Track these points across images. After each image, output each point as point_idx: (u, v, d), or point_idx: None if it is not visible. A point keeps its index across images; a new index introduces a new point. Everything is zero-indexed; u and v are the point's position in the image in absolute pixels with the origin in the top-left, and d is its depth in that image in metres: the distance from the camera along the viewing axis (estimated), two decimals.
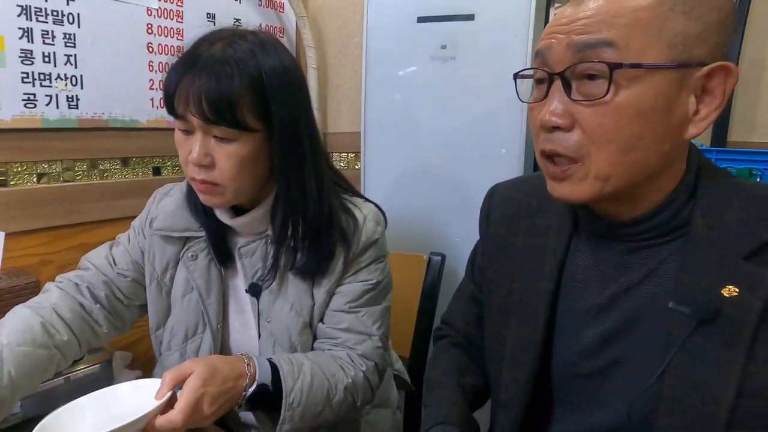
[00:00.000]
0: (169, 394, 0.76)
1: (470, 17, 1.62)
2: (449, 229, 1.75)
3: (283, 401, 0.85)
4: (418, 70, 1.73)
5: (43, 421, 0.72)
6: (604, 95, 0.60)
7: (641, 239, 0.70)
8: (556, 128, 0.65)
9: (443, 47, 1.67)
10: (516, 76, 0.72)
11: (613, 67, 0.59)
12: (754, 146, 1.53)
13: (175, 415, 0.74)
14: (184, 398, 0.75)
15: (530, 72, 0.70)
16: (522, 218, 0.84)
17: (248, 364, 0.85)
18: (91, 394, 0.80)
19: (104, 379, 1.10)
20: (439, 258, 1.50)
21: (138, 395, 0.78)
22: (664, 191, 0.67)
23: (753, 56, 1.56)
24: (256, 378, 0.84)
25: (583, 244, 0.77)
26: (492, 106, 1.63)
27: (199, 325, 1.02)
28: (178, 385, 0.78)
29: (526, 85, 0.72)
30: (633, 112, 0.61)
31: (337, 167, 1.46)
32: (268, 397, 0.86)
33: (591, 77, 0.61)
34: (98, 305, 0.99)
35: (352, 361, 0.97)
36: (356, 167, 1.97)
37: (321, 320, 1.00)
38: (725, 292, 0.61)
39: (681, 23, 0.59)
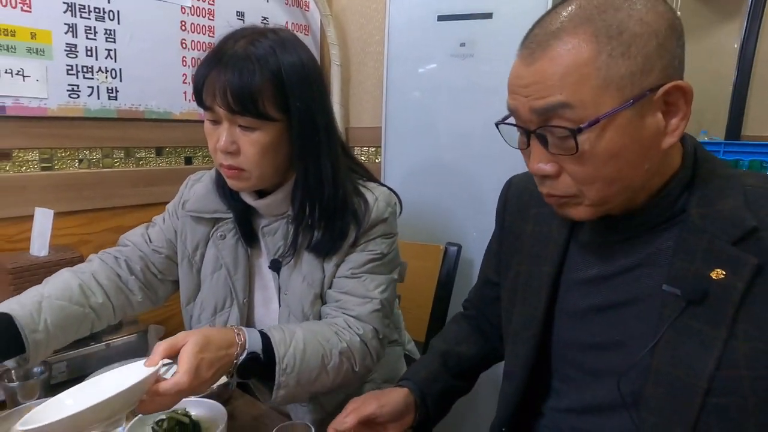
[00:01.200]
0: (161, 362, 0.77)
1: (488, 16, 1.67)
2: (465, 221, 1.80)
3: (277, 367, 0.89)
4: (438, 68, 1.78)
5: (24, 418, 0.70)
6: (575, 152, 0.65)
7: (639, 229, 0.75)
8: (546, 176, 0.70)
9: (462, 45, 1.72)
10: (498, 124, 0.75)
11: (574, 132, 0.64)
12: None
13: (181, 377, 0.76)
14: (185, 363, 0.77)
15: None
16: (532, 207, 0.90)
17: (238, 335, 0.87)
18: (70, 389, 0.78)
19: (140, 347, 1.20)
20: (455, 248, 1.56)
21: (126, 377, 0.77)
22: (656, 188, 0.72)
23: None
24: (246, 347, 0.87)
25: (585, 231, 0.82)
26: None
27: (227, 300, 1.10)
28: (168, 359, 0.80)
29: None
30: (606, 156, 0.65)
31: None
32: (260, 366, 0.89)
33: (562, 137, 0.66)
34: (133, 277, 1.09)
35: (349, 326, 1.01)
36: (377, 161, 2.03)
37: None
38: (713, 275, 0.66)
39: (622, 66, 0.62)
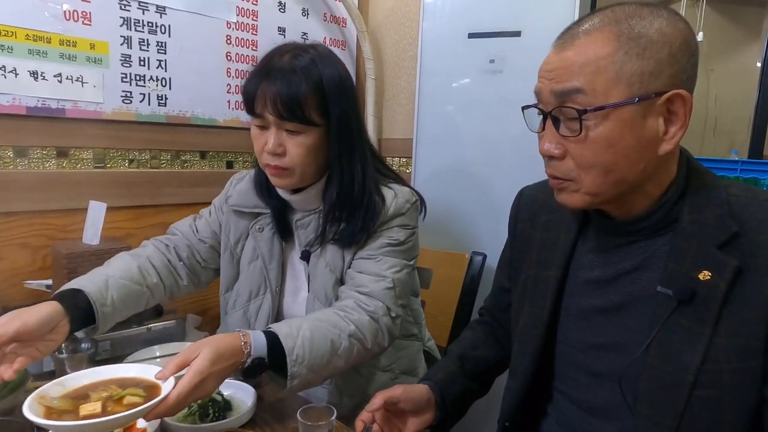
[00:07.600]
0: (172, 378, 0.79)
1: (517, 34, 1.71)
2: (491, 231, 1.82)
3: (288, 359, 0.92)
4: (468, 83, 1.83)
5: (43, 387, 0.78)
6: (579, 133, 0.72)
7: (639, 234, 0.80)
8: (552, 157, 0.77)
9: (492, 62, 1.77)
10: (524, 108, 0.83)
11: (581, 112, 0.71)
12: None
13: (183, 388, 0.78)
14: (190, 377, 0.79)
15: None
16: (541, 215, 0.96)
17: (244, 343, 0.89)
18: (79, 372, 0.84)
19: (178, 333, 1.29)
20: (481, 257, 1.60)
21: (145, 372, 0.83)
22: (654, 196, 0.78)
23: None
24: (252, 353, 0.90)
25: (590, 237, 0.88)
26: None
27: (261, 288, 1.20)
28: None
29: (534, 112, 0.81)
30: (605, 143, 0.72)
31: None
32: (265, 368, 0.92)
33: (571, 118, 0.73)
34: (181, 263, 1.20)
35: (359, 305, 1.05)
36: (407, 171, 2.08)
37: None
38: (701, 276, 0.72)
39: (636, 64, 0.69)
